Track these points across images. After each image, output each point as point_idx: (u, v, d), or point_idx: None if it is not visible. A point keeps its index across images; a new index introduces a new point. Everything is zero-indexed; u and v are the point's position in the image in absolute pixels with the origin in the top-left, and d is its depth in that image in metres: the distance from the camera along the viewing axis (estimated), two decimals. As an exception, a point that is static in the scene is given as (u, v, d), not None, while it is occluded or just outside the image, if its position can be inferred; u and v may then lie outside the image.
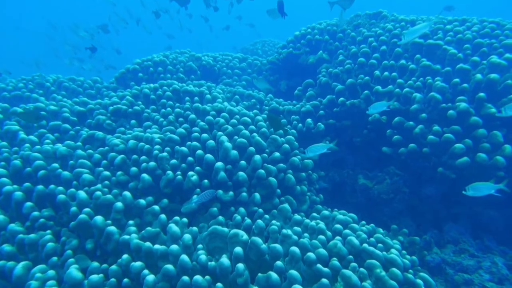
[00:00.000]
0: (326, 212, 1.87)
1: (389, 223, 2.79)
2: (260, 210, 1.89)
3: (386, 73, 2.73)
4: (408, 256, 1.65)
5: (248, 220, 1.69)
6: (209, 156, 1.92)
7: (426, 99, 2.37)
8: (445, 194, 2.52)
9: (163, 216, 1.67)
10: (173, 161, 1.93)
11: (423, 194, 2.56)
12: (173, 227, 1.48)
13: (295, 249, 1.35)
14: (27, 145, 2.22)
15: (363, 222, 1.96)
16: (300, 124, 2.75)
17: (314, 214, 1.93)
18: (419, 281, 1.45)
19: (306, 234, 1.62)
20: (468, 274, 2.15)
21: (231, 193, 1.88)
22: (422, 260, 2.27)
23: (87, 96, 3.94)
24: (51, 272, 1.33)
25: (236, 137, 2.11)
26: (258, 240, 1.38)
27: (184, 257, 1.31)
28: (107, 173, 1.89)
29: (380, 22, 3.98)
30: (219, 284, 1.22)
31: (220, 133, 2.10)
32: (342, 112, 2.85)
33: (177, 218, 1.68)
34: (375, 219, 2.81)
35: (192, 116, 2.29)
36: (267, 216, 1.84)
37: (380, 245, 1.62)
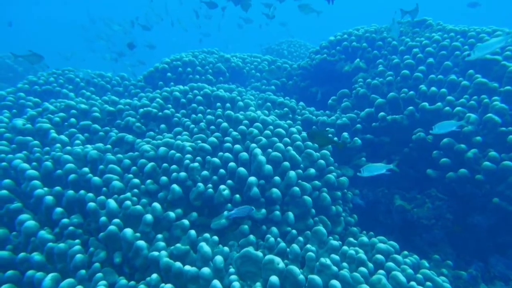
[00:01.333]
0: (365, 239, 1.79)
1: (427, 249, 2.66)
2: (294, 231, 1.83)
3: (433, 88, 2.60)
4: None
5: (282, 244, 1.63)
6: (242, 169, 1.87)
7: (481, 120, 2.22)
8: (494, 225, 2.37)
9: (193, 232, 1.64)
10: (205, 172, 1.90)
11: (469, 222, 2.42)
12: (204, 247, 1.44)
13: (336, 283, 1.28)
14: (58, 145, 2.25)
15: (405, 252, 1.86)
16: (335, 138, 2.66)
17: (351, 239, 1.84)
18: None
19: (345, 264, 1.55)
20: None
21: (263, 210, 1.83)
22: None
23: (115, 93, 3.99)
24: None
25: (270, 150, 2.06)
26: (295, 270, 1.32)
27: (217, 283, 1.27)
28: (136, 180, 1.88)
29: (425, 31, 3.84)
30: (254, 317, 1.17)
31: (253, 145, 2.06)
32: (381, 127, 2.74)
33: (207, 235, 1.64)
34: (412, 244, 2.69)
35: (224, 124, 2.25)
36: (301, 238, 1.78)
37: (428, 283, 1.52)
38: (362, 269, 1.47)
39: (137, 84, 4.28)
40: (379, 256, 1.61)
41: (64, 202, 1.78)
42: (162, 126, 2.49)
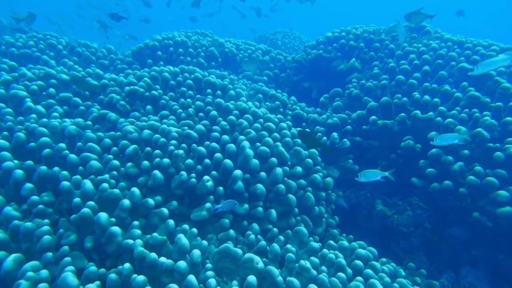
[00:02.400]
0: (345, 243, 1.78)
1: (402, 256, 2.70)
2: (275, 229, 1.80)
3: (426, 96, 2.60)
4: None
5: (263, 242, 1.60)
6: (228, 161, 1.83)
7: (470, 134, 2.25)
8: (470, 238, 2.42)
9: (171, 222, 1.58)
10: (189, 160, 1.84)
11: (447, 234, 2.46)
12: (182, 239, 1.40)
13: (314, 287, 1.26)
14: (34, 115, 2.14)
15: (383, 259, 1.87)
16: (324, 138, 2.64)
17: (331, 242, 1.83)
18: None
19: (324, 268, 1.53)
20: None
21: (246, 205, 1.80)
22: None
23: (100, 66, 3.84)
24: (44, 273, 1.25)
25: (258, 144, 2.01)
26: (274, 271, 1.29)
27: (192, 278, 1.23)
28: (116, 162, 1.81)
29: (423, 37, 3.84)
30: (228, 318, 1.14)
31: (242, 137, 2.01)
32: (371, 131, 2.74)
33: (186, 227, 1.60)
34: (388, 250, 2.73)
35: (214, 112, 2.19)
36: (281, 237, 1.75)
37: (404, 293, 1.53)
38: (341, 274, 1.46)
39: (124, 59, 4.13)
40: (358, 262, 1.61)
41: (35, 178, 1.69)
42: (148, 107, 2.40)
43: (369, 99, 2.93)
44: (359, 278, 1.51)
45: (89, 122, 2.18)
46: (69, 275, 1.18)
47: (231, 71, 4.38)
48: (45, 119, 2.08)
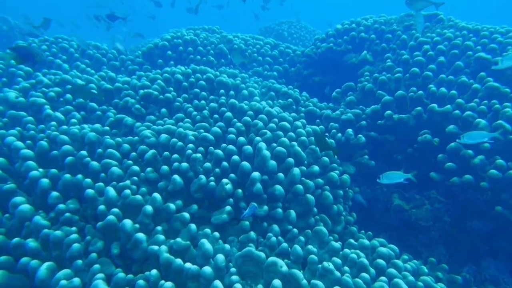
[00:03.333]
0: (366, 242, 1.79)
1: (421, 249, 2.71)
2: (295, 230, 1.82)
3: (443, 89, 2.57)
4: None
5: (284, 244, 1.63)
6: (245, 164, 1.85)
7: (492, 126, 2.21)
8: (491, 231, 2.40)
9: (193, 226, 1.62)
10: (207, 164, 1.86)
11: (467, 227, 2.45)
12: (206, 244, 1.43)
13: (339, 290, 1.28)
14: (54, 123, 2.19)
15: (405, 256, 1.89)
16: (339, 134, 2.64)
17: (351, 240, 1.85)
18: None
19: (346, 268, 1.55)
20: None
21: (265, 207, 1.82)
22: (462, 301, 2.19)
23: (111, 68, 3.88)
24: (77, 281, 1.30)
25: (274, 144, 2.03)
26: (299, 274, 1.32)
27: (218, 283, 1.26)
28: (136, 168, 1.85)
29: (436, 26, 3.78)
30: (256, 322, 1.17)
31: (258, 138, 2.02)
32: (386, 126, 2.72)
33: (208, 231, 1.63)
34: (406, 244, 2.73)
35: (228, 114, 2.21)
36: (302, 237, 1.77)
37: (428, 292, 1.55)
38: (364, 274, 1.48)
39: (135, 60, 4.17)
40: (381, 261, 1.62)
41: (60, 186, 1.74)
42: (163, 110, 2.43)
43: (383, 93, 2.91)
44: (383, 278, 1.52)
45: (106, 128, 2.22)
46: (100, 283, 1.22)
47: (241, 67, 4.39)
48: (65, 126, 2.12)
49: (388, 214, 2.84)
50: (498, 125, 2.20)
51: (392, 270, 1.58)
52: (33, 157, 1.80)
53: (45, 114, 2.30)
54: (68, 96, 2.56)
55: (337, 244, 1.69)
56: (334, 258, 1.57)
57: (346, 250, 1.66)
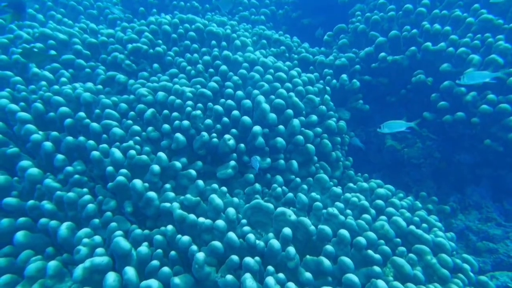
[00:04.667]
0: (364, 185, 1.90)
1: (411, 184, 2.87)
2: (298, 179, 1.91)
3: (437, 25, 2.53)
4: (449, 235, 1.71)
5: (290, 194, 1.71)
6: (246, 118, 1.87)
7: (484, 61, 2.23)
8: (478, 162, 2.53)
9: (200, 182, 1.68)
10: (208, 120, 1.88)
11: (455, 160, 2.58)
12: (216, 199, 1.50)
13: (345, 232, 1.39)
14: (44, 83, 2.12)
15: (400, 194, 2.02)
16: (334, 80, 2.64)
17: (351, 184, 1.96)
18: (466, 265, 1.52)
19: (348, 211, 1.66)
20: (493, 243, 2.26)
21: (268, 159, 1.88)
22: (449, 227, 2.38)
23: (89, 17, 3.66)
24: (98, 238, 1.38)
25: (272, 96, 2.03)
26: (306, 221, 1.41)
27: (232, 235, 1.35)
28: (137, 127, 1.85)
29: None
30: (270, 268, 1.27)
31: (256, 91, 2.02)
32: (380, 68, 2.72)
33: (215, 186, 1.69)
34: (398, 181, 2.88)
35: (223, 67, 2.17)
36: (304, 186, 1.86)
37: (424, 225, 1.68)
38: (366, 216, 1.59)
39: (113, 9, 3.91)
40: (379, 202, 1.74)
41: (62, 148, 1.75)
42: (155, 65, 2.37)
43: (376, 34, 2.86)
44: (383, 217, 1.64)
45: (100, 87, 2.18)
46: (121, 240, 1.30)
47: (227, 13, 4.20)
48: (56, 86, 2.07)
49: (381, 154, 2.96)
50: (491, 59, 2.21)
51: (390, 209, 1.70)
52: (32, 120, 1.78)
53: (32, 73, 2.22)
54: (52, 52, 2.44)
55: (338, 189, 1.79)
56: (337, 203, 1.67)
57: (347, 194, 1.77)
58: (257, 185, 1.79)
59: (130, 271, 1.20)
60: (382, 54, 2.66)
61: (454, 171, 2.74)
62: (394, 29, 2.76)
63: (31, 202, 1.48)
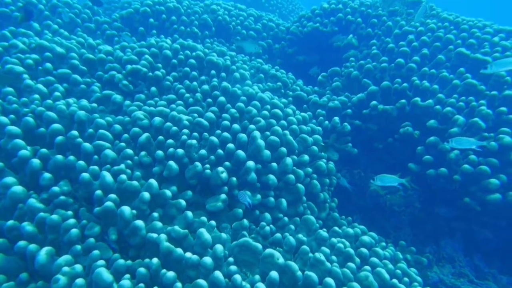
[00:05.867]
0: (350, 231, 1.92)
1: (389, 230, 2.92)
2: (286, 218, 1.91)
3: (426, 83, 2.68)
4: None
5: (278, 235, 1.71)
6: (240, 153, 1.88)
7: (467, 123, 2.36)
8: (455, 216, 2.62)
9: (189, 214, 1.66)
10: (203, 151, 1.88)
11: (434, 212, 2.65)
12: (205, 234, 1.48)
13: (331, 281, 1.39)
14: (37, 96, 2.08)
15: (383, 243, 2.04)
16: (326, 121, 2.71)
17: (336, 228, 1.97)
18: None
19: (334, 257, 1.66)
20: (464, 300, 2.31)
21: (259, 196, 1.88)
22: (425, 278, 2.41)
23: (86, 30, 3.66)
24: (79, 267, 1.32)
25: (267, 133, 2.06)
26: (294, 266, 1.40)
27: (219, 275, 1.32)
28: (130, 151, 1.83)
29: (416, 13, 3.84)
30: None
31: (252, 126, 2.05)
32: (371, 115, 2.82)
33: (204, 219, 1.67)
34: (377, 225, 2.92)
35: (222, 99, 2.20)
36: (292, 226, 1.86)
37: (405, 278, 1.70)
38: (351, 264, 1.60)
39: (112, 24, 3.93)
40: (364, 250, 1.75)
41: (50, 166, 1.70)
42: (153, 89, 2.37)
43: (368, 82, 2.98)
44: (367, 267, 1.65)
45: (94, 105, 2.15)
46: (103, 272, 1.25)
47: (224, 39, 4.30)
48: (49, 101, 2.03)
49: (364, 197, 3.02)
50: (474, 122, 2.35)
51: (374, 259, 1.72)
52: (21, 135, 1.73)
53: (24, 85, 2.18)
54: (48, 65, 2.42)
55: (325, 233, 1.80)
56: (323, 248, 1.68)
57: (333, 239, 1.77)
58: (245, 221, 1.78)
59: (111, 307, 1.15)
60: (374, 102, 2.77)
61: (431, 221, 2.82)
62: (385, 79, 2.90)
63: (10, 222, 1.42)
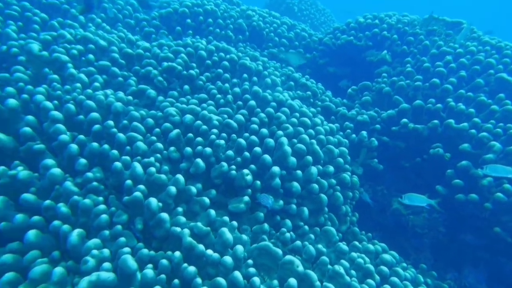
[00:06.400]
0: (370, 247, 1.90)
1: (410, 252, 2.86)
2: (306, 227, 1.91)
3: (461, 105, 2.62)
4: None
5: (298, 243, 1.72)
6: (267, 157, 1.90)
7: (504, 150, 2.30)
8: (481, 245, 2.54)
9: (212, 212, 1.69)
10: (229, 152, 1.91)
11: (459, 239, 2.58)
12: (227, 233, 1.51)
13: (349, 295, 1.38)
14: (78, 85, 2.18)
15: (404, 264, 2.01)
16: (353, 135, 2.70)
17: (356, 243, 1.96)
18: None
19: (353, 272, 1.65)
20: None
21: (281, 202, 1.90)
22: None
23: (126, 26, 3.79)
24: (106, 252, 1.37)
25: (295, 140, 2.08)
26: (313, 275, 1.41)
27: (238, 275, 1.35)
28: (160, 145, 1.89)
29: (459, 35, 3.77)
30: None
31: (280, 132, 2.07)
32: (400, 132, 2.78)
33: (226, 219, 1.70)
34: (397, 245, 2.87)
35: (252, 102, 2.23)
36: (312, 235, 1.86)
37: (425, 303, 1.67)
38: (370, 281, 1.59)
39: (151, 22, 4.04)
40: (384, 268, 1.74)
41: (86, 153, 1.78)
42: (186, 87, 2.44)
43: (400, 99, 2.95)
44: (387, 286, 1.63)
45: (130, 97, 2.23)
46: (129, 258, 1.29)
47: (256, 45, 4.36)
48: (89, 91, 2.13)
49: (385, 215, 2.97)
50: (511, 150, 2.27)
51: (394, 279, 1.70)
52: (62, 120, 1.81)
53: (68, 73, 2.28)
54: (90, 56, 2.52)
55: (345, 246, 1.79)
56: (343, 261, 1.67)
57: (353, 254, 1.76)
58: (266, 225, 1.80)
59: (134, 293, 1.19)
60: (405, 120, 2.74)
61: (455, 248, 2.74)
62: (418, 98, 2.86)
63: (47, 202, 1.49)
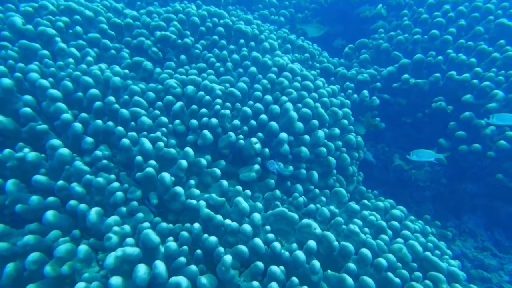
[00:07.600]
0: (380, 204, 1.97)
1: (412, 205, 2.96)
2: (317, 190, 1.95)
3: (462, 56, 2.61)
4: (455, 263, 1.78)
5: (312, 206, 1.76)
6: (273, 124, 1.90)
7: (506, 98, 2.31)
8: (480, 192, 2.63)
9: (225, 182, 1.71)
10: (236, 121, 1.91)
11: (460, 189, 2.67)
12: (242, 202, 1.54)
13: (367, 252, 1.45)
14: (71, 60, 2.11)
15: (411, 217, 2.08)
16: (355, 95, 2.69)
17: (365, 201, 2.02)
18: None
19: (366, 229, 1.71)
20: (487, 272, 2.37)
21: (291, 168, 1.92)
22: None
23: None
24: (127, 228, 1.40)
25: (299, 105, 2.07)
26: (331, 236, 1.46)
27: (259, 242, 1.39)
28: (165, 119, 1.87)
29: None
30: (294, 279, 1.31)
31: (284, 97, 2.06)
32: (401, 89, 2.78)
33: (239, 188, 1.73)
34: (399, 200, 2.95)
35: (253, 69, 2.20)
36: (323, 198, 1.90)
37: (437, 251, 1.75)
38: (384, 236, 1.66)
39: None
40: (395, 223, 1.81)
41: (90, 131, 1.76)
42: (182, 57, 2.38)
43: (399, 54, 2.92)
44: (399, 239, 1.70)
45: (127, 71, 2.17)
46: (151, 232, 1.32)
47: (245, 7, 4.21)
48: (84, 66, 2.06)
49: (387, 172, 3.04)
50: None
51: (406, 232, 1.77)
52: (61, 99, 1.77)
53: (58, 48, 2.19)
54: (78, 28, 2.42)
55: (356, 206, 1.85)
56: (356, 220, 1.72)
57: (364, 212, 1.82)
58: (278, 192, 1.83)
59: (161, 266, 1.23)
60: (406, 76, 2.72)
61: (455, 197, 2.84)
62: (418, 52, 2.83)
63: (61, 182, 1.49)
